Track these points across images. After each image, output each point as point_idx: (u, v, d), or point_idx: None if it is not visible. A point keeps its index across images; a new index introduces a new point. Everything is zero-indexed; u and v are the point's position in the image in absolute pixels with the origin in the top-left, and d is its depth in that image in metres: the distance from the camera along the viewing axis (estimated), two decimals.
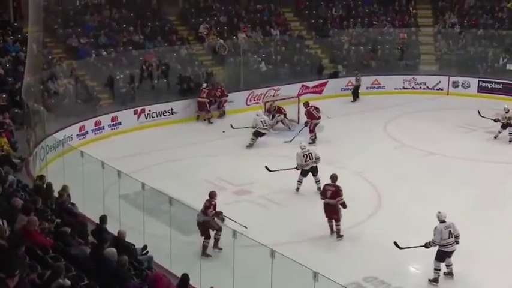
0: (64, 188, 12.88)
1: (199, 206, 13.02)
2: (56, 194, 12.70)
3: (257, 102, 25.16)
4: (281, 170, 16.75)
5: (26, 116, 18.55)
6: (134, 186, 13.01)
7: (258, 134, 20.59)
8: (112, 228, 11.48)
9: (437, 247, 12.15)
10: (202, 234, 12.92)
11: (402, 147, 20.50)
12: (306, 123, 21.13)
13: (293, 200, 16.15)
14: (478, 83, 27.62)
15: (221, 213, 13.29)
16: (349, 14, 31.56)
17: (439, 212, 12.19)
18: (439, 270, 12.22)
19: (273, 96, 25.22)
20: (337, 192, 13.94)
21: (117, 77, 23.79)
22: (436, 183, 17.12)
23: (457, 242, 12.16)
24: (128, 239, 11.04)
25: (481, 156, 19.49)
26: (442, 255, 12.14)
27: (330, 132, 21.57)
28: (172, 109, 23.46)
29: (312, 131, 20.88)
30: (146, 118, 22.92)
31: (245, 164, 18.88)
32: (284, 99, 24.03)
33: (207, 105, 23.64)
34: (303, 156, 16.36)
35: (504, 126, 20.88)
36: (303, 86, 26.73)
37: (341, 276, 10.59)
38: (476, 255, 13.05)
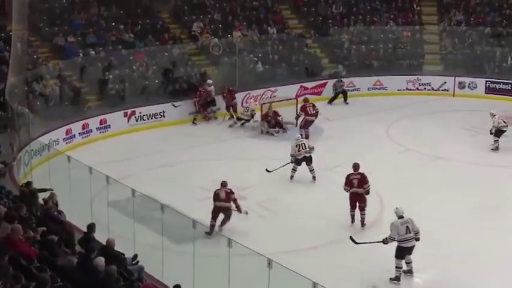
0: (51, 196, 12.88)
1: (193, 213, 12.98)
2: (41, 201, 12.69)
3: (254, 104, 25.15)
4: (279, 167, 17.74)
5: (10, 118, 18.54)
6: (124, 193, 12.99)
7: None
8: (100, 236, 11.45)
9: (396, 244, 12.49)
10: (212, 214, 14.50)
11: (406, 152, 20.51)
12: (298, 116, 22.12)
13: (290, 207, 16.17)
14: (486, 84, 27.65)
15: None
16: (350, 11, 31.59)
17: (397, 208, 12.69)
18: (401, 268, 12.55)
19: (270, 97, 25.24)
20: (363, 179, 14.88)
21: (106, 78, 23.79)
22: (442, 189, 17.19)
23: (417, 239, 12.54)
24: (117, 248, 11.02)
25: (490, 161, 19.54)
26: (401, 252, 12.49)
27: (329, 136, 21.62)
28: (164, 111, 23.47)
29: (302, 126, 21.46)
30: (137, 121, 22.93)
31: (240, 169, 18.86)
32: (281, 100, 24.06)
33: (204, 106, 23.77)
34: (296, 146, 17.74)
35: (497, 134, 20.51)
36: (301, 87, 26.77)
37: (341, 287, 10.60)
38: (481, 260, 13.23)
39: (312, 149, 17.79)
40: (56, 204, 12.90)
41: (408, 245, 12.48)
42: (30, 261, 9.04)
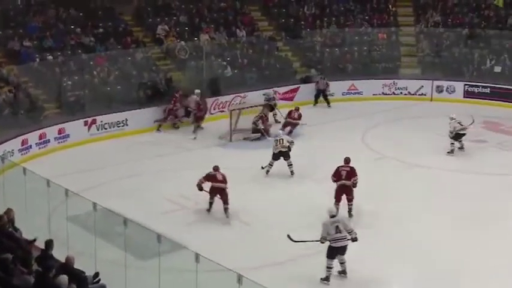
0: (6, 212, 12.70)
1: (158, 227, 12.92)
2: None
3: (222, 111, 25.16)
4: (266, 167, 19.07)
5: None
6: (84, 206, 12.89)
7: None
8: (59, 254, 11.36)
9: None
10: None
11: (382, 159, 20.64)
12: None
13: (261, 218, 16.15)
14: (464, 88, 27.98)
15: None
16: (322, 12, 31.75)
17: (329, 208, 13.42)
18: (331, 268, 13.04)
19: (240, 103, 25.23)
20: (352, 172, 16.02)
21: (65, 84, 23.60)
22: (420, 197, 17.35)
23: (354, 239, 13.11)
24: (77, 265, 10.91)
25: (468, 168, 19.75)
26: (331, 252, 13.01)
27: (302, 143, 21.62)
28: (127, 119, 23.35)
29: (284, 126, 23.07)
30: (98, 130, 22.77)
31: None
32: (252, 106, 24.07)
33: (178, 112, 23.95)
34: (274, 141, 19.14)
35: (456, 137, 20.94)
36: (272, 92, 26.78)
37: None
38: (461, 272, 13.39)
39: (291, 143, 19.07)
40: (12, 221, 12.72)
41: (339, 244, 12.99)
42: None
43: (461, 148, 21.14)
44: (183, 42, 27.18)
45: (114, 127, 23.13)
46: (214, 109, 25.27)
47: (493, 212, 16.42)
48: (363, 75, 28.99)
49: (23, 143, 20.41)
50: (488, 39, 29.58)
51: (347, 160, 16.39)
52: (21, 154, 20.10)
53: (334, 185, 16.15)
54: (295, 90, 27.65)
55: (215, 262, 10.72)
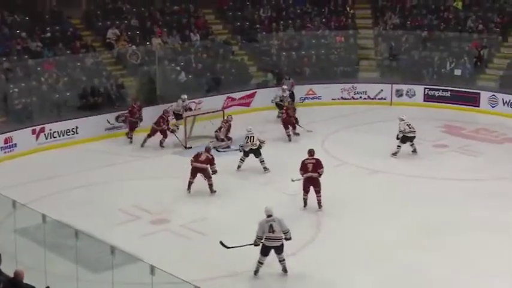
0: None
1: (112, 239, 12.86)
2: None
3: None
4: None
5: None
6: (33, 219, 12.74)
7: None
8: (7, 268, 11.20)
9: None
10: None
11: (342, 165, 20.76)
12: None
13: (217, 228, 16.11)
14: (424, 91, 28.37)
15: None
16: (279, 15, 31.94)
17: (266, 207, 13.76)
18: (262, 263, 13.66)
19: (195, 109, 25.19)
20: (318, 164, 17.07)
21: (11, 91, 23.34)
22: (382, 204, 17.50)
23: (288, 238, 13.56)
24: (26, 280, 10.79)
25: (429, 173, 19.94)
26: (264, 249, 13.60)
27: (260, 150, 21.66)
28: (77, 127, 23.18)
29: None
30: (46, 138, 22.58)
31: (163, 189, 18.81)
32: (207, 113, 24.07)
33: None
34: (245, 138, 20.07)
35: (403, 140, 21.35)
36: (228, 97, 26.90)
37: None
38: (415, 278, 13.52)
39: (262, 142, 20.12)
40: None
41: (272, 244, 13.52)
42: None
43: (414, 151, 21.45)
44: (134, 47, 27.07)
45: (63, 135, 22.94)
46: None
47: (453, 218, 16.60)
48: (321, 79, 29.19)
49: None
50: (447, 42, 30.04)
51: (311, 152, 17.43)
52: None
53: (293, 193, 16.28)
54: (251, 96, 27.74)
55: (171, 274, 10.69)
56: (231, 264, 14.22)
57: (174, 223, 16.38)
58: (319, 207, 17.09)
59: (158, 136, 22.70)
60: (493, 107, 26.98)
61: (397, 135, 21.28)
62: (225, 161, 20.38)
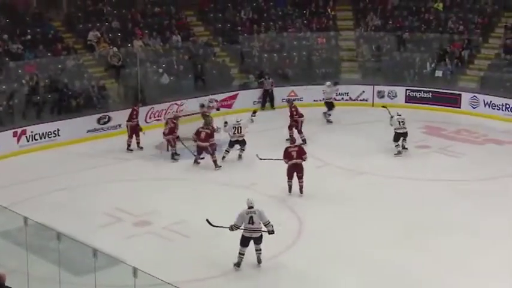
0: None
1: (94, 241, 12.84)
2: None
3: (158, 120, 25.10)
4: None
5: None
6: (15, 221, 12.73)
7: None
8: None
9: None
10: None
11: (325, 167, 20.83)
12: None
13: (200, 229, 16.08)
14: (406, 92, 28.53)
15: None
16: (260, 17, 31.98)
17: (248, 198, 14.08)
18: (243, 255, 13.96)
19: (177, 112, 25.15)
20: (301, 151, 18.18)
21: None
22: (366, 206, 17.53)
23: (270, 232, 13.94)
24: (8, 283, 10.71)
25: (411, 174, 20.05)
26: (243, 240, 13.97)
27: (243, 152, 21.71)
28: (58, 129, 23.10)
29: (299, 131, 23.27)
30: (28, 141, 22.47)
31: (145, 191, 18.81)
32: (189, 114, 24.07)
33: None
34: (233, 128, 20.99)
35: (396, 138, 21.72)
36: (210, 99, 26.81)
37: None
38: (405, 279, 13.56)
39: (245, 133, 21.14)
40: None
41: (251, 235, 13.91)
42: None
43: (404, 148, 21.73)
44: (115, 49, 27.01)
45: (45, 138, 22.84)
46: (150, 118, 25.17)
47: (439, 218, 16.71)
48: (303, 80, 29.27)
49: None
50: (428, 43, 30.21)
51: (292, 139, 19.36)
52: None
53: (277, 194, 16.29)
54: (233, 97, 27.76)
55: (154, 276, 10.70)
56: (213, 266, 14.26)
57: (157, 225, 16.35)
58: (301, 193, 18.03)
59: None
60: (474, 107, 27.19)
61: (391, 125, 21.69)
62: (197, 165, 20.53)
